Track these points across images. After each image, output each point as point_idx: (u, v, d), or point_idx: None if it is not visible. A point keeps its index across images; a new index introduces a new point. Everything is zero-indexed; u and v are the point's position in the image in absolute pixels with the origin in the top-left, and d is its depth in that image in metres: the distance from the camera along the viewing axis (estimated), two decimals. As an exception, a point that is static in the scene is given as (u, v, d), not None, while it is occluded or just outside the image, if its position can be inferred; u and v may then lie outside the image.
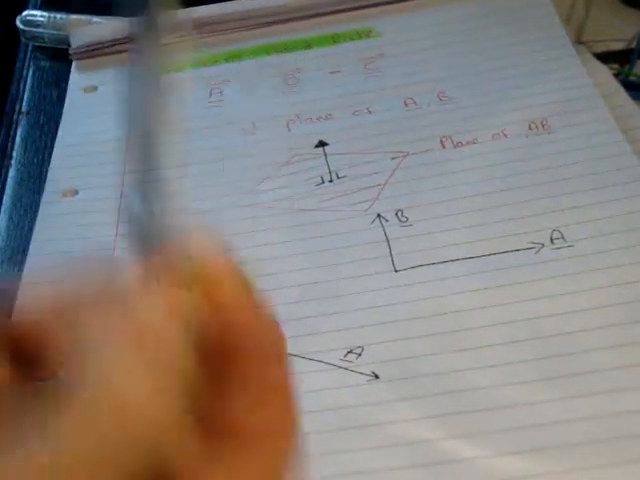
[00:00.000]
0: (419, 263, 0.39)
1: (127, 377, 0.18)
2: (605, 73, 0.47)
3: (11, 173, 0.49)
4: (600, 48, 0.49)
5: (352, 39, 0.52)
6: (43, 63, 0.56)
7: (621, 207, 0.40)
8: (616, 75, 0.47)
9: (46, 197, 0.45)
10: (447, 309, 0.37)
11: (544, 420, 0.32)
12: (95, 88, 0.52)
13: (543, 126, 0.44)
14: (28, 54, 0.57)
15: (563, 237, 0.39)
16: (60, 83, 0.54)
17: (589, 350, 0.34)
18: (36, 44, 0.56)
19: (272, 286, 0.39)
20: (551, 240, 0.39)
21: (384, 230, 0.41)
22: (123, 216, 0.44)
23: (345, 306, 0.38)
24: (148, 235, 0.20)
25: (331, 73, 0.51)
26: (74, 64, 0.54)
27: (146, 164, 0.19)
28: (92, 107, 0.51)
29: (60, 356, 0.21)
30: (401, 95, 0.48)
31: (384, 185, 0.43)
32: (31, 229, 0.44)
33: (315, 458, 0.32)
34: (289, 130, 0.47)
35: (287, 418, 0.21)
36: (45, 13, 0.56)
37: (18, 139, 0.51)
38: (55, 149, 0.48)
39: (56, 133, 0.49)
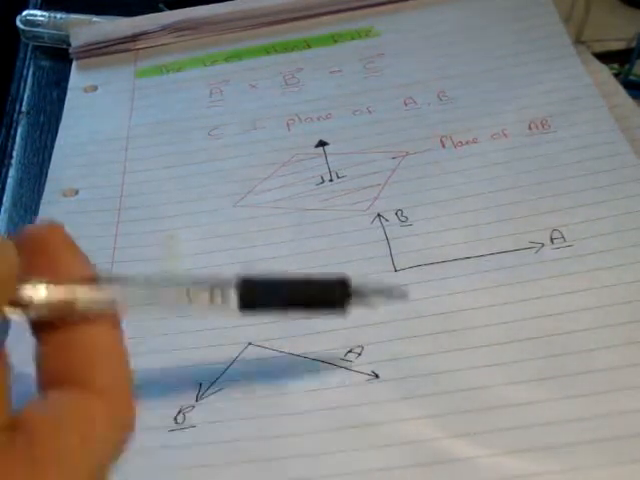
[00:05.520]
0: (419, 263, 0.39)
1: None
2: (605, 73, 0.47)
3: (11, 173, 0.49)
4: (600, 48, 0.49)
5: (352, 39, 0.53)
6: (43, 63, 0.56)
7: (621, 207, 0.40)
8: (616, 75, 0.47)
9: (46, 197, 0.45)
10: (447, 309, 0.37)
11: (544, 420, 0.32)
12: (95, 88, 0.52)
13: (543, 126, 0.44)
14: (28, 54, 0.57)
15: (563, 237, 0.39)
16: (60, 83, 0.54)
17: (589, 350, 0.34)
18: (36, 44, 0.56)
19: (272, 286, 0.39)
20: (551, 240, 0.39)
21: (384, 230, 0.41)
22: (122, 216, 0.44)
23: (345, 306, 0.38)
24: None
25: (331, 73, 0.51)
26: (74, 64, 0.54)
27: None
28: (92, 107, 0.51)
29: None
30: (401, 94, 0.48)
31: (384, 185, 0.43)
32: (31, 229, 0.44)
33: (315, 458, 0.33)
34: (289, 130, 0.47)
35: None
36: (45, 13, 0.56)
37: (18, 139, 0.51)
38: (55, 149, 0.48)
39: (56, 133, 0.49)
